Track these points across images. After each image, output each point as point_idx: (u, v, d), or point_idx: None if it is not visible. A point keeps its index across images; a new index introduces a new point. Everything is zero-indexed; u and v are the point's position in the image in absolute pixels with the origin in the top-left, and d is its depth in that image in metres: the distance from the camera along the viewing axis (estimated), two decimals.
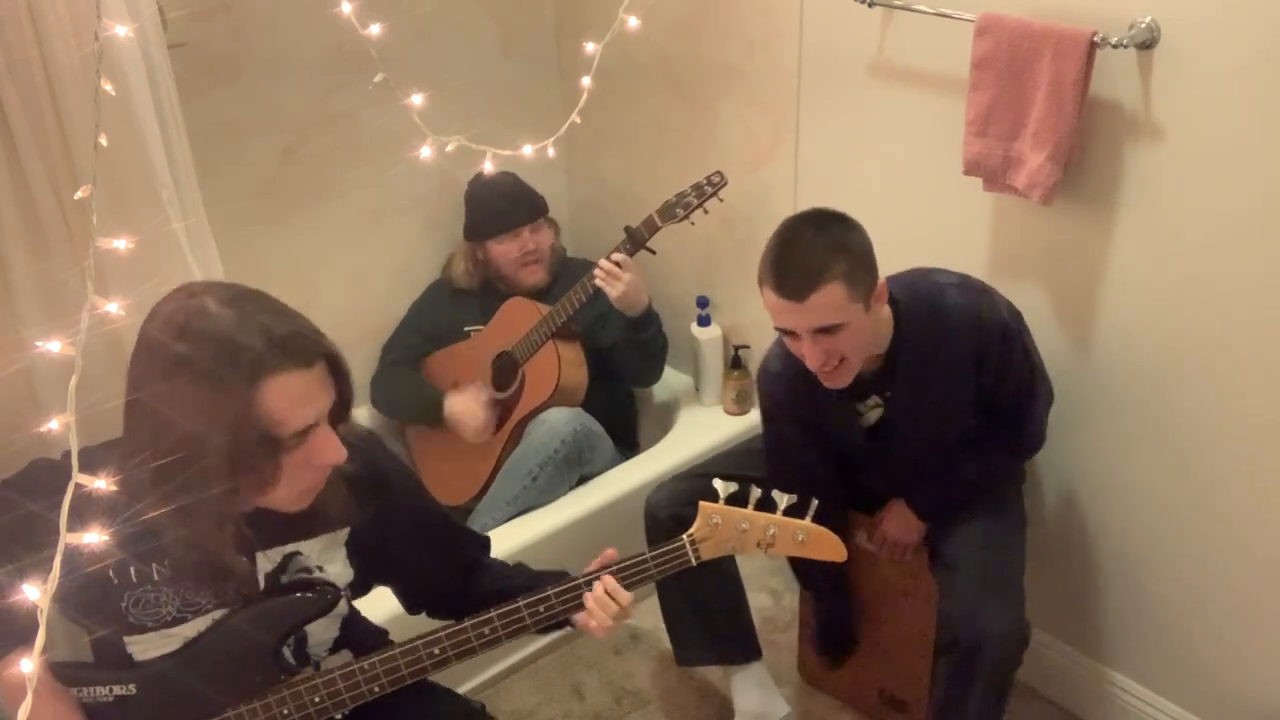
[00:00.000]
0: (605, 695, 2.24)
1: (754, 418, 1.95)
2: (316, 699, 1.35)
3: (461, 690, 2.01)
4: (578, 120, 1.62)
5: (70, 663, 1.37)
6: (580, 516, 2.30)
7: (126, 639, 1.31)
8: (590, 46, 1.62)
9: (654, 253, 2.30)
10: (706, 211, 2.25)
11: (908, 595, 1.96)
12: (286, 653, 1.36)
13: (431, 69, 2.18)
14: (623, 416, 2.65)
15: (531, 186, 2.54)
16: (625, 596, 1.40)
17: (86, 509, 0.89)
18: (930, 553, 1.88)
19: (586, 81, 1.63)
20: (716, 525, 1.42)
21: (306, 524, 1.32)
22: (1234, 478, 1.75)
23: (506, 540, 2.20)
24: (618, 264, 2.27)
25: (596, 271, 2.29)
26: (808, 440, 1.84)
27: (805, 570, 2.03)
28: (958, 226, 2.01)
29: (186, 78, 1.83)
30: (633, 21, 1.65)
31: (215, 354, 1.12)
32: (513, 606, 1.39)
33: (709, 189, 2.22)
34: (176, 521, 1.17)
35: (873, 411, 1.82)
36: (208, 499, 1.15)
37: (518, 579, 1.51)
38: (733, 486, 1.42)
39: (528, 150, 1.67)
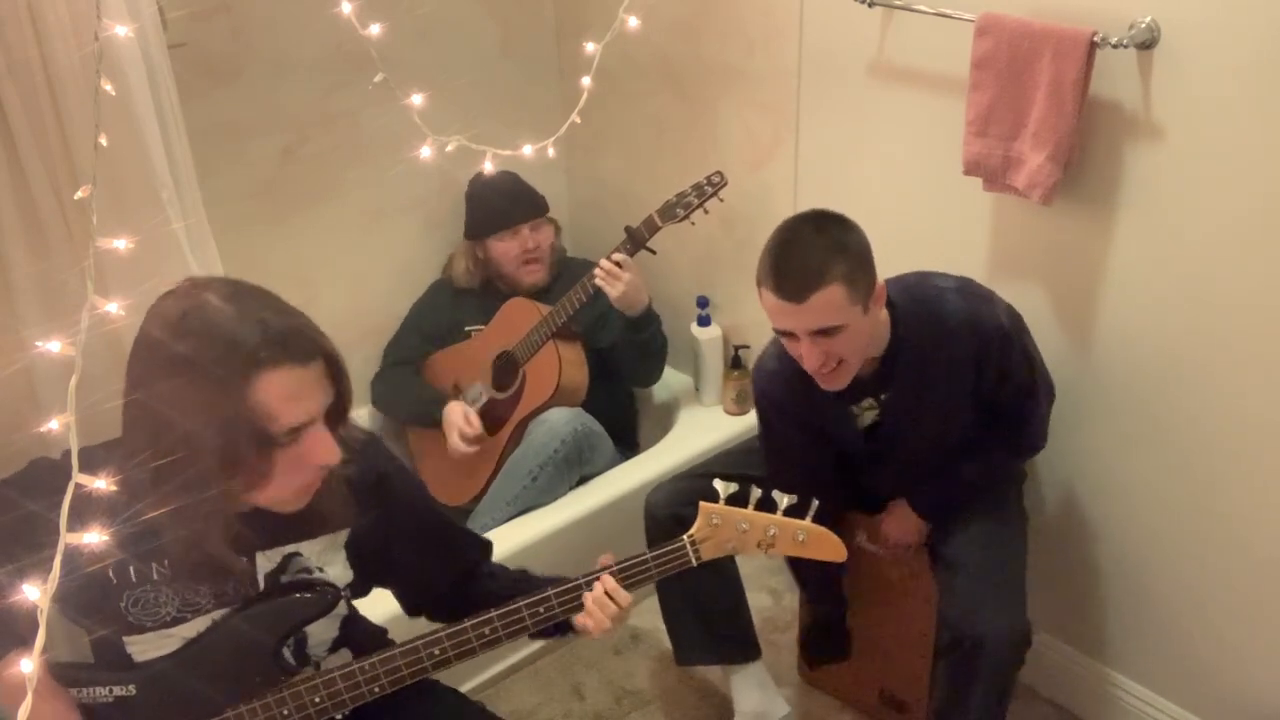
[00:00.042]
0: (605, 695, 2.24)
1: (754, 417, 1.95)
2: (317, 699, 1.35)
3: (461, 690, 2.01)
4: (578, 120, 1.62)
5: (70, 663, 1.37)
6: (580, 516, 2.30)
7: (126, 639, 1.31)
8: (590, 46, 1.62)
9: (654, 253, 2.30)
10: (707, 212, 2.25)
11: (908, 595, 1.96)
12: (286, 653, 1.36)
13: (431, 69, 2.18)
14: (623, 416, 2.65)
15: (532, 186, 2.55)
16: (625, 597, 1.40)
17: (86, 509, 0.89)
18: (931, 553, 1.88)
19: (586, 81, 1.63)
20: (717, 526, 1.42)
21: (306, 525, 1.31)
22: (1234, 478, 1.75)
23: (506, 540, 2.20)
24: (618, 264, 2.27)
25: (597, 271, 2.29)
26: (804, 439, 1.84)
27: (801, 571, 2.03)
28: (958, 226, 2.01)
29: (186, 78, 1.83)
30: (633, 21, 1.65)
31: (209, 347, 1.12)
32: (513, 607, 1.39)
33: (709, 189, 2.22)
34: (173, 520, 1.16)
35: (868, 413, 1.82)
36: (203, 496, 1.15)
37: (519, 583, 1.51)
38: (733, 487, 1.42)
39: (528, 150, 1.67)
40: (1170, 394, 1.78)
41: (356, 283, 2.65)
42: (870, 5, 1.95)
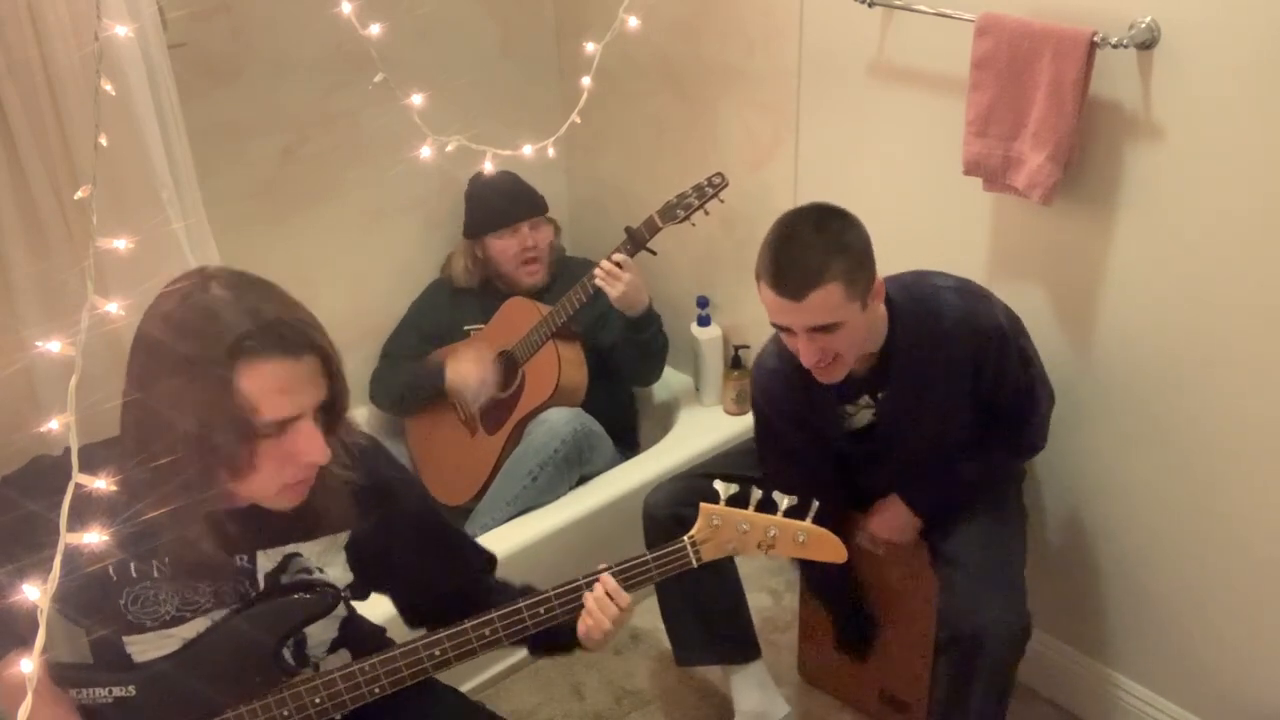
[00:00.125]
0: (605, 695, 2.24)
1: (753, 418, 1.95)
2: (317, 700, 1.35)
3: (461, 690, 2.01)
4: (578, 120, 1.61)
5: (69, 664, 1.37)
6: (580, 516, 2.30)
7: (125, 639, 1.30)
8: (590, 46, 1.62)
9: (654, 253, 2.30)
10: (707, 213, 2.25)
11: (908, 595, 1.96)
12: (286, 654, 1.36)
13: (431, 69, 2.18)
14: (623, 416, 2.65)
15: (531, 185, 2.55)
16: (625, 598, 1.39)
17: (86, 508, 0.89)
18: (931, 551, 1.88)
19: (586, 81, 1.63)
20: (717, 527, 1.42)
21: (307, 525, 1.31)
22: (1234, 478, 1.75)
23: (506, 540, 2.20)
24: (618, 264, 2.27)
25: (597, 272, 2.29)
26: (801, 437, 1.84)
27: (812, 575, 2.03)
28: (958, 226, 2.01)
29: (186, 78, 1.83)
30: (633, 21, 1.65)
31: (198, 332, 1.12)
32: (514, 608, 1.38)
33: (710, 190, 2.22)
34: (167, 515, 1.16)
35: (864, 411, 1.82)
36: (190, 489, 1.15)
37: (523, 597, 1.49)
38: (734, 488, 1.42)
39: (528, 150, 1.66)
40: (1170, 394, 1.78)
41: (356, 283, 2.65)
42: (870, 5, 1.95)
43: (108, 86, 1.12)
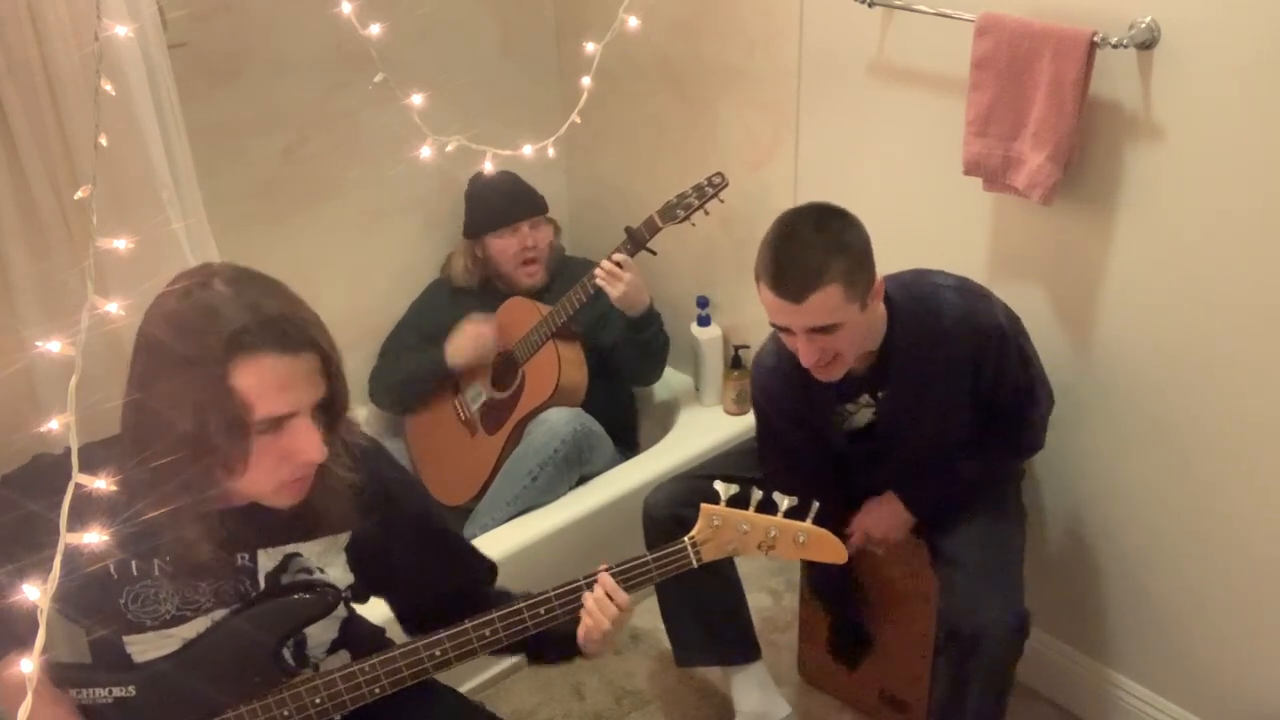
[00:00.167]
0: (605, 695, 2.24)
1: (754, 417, 1.95)
2: (317, 700, 1.35)
3: (461, 690, 2.01)
4: (578, 120, 1.61)
5: (69, 664, 1.37)
6: (580, 516, 2.30)
7: (126, 638, 1.30)
8: (590, 46, 1.62)
9: (654, 253, 2.30)
10: (707, 213, 2.25)
11: (908, 595, 1.96)
12: (286, 654, 1.36)
13: (431, 69, 2.19)
14: (623, 416, 2.65)
15: (532, 185, 2.55)
16: (624, 597, 1.39)
17: (87, 507, 0.89)
18: (930, 550, 1.88)
19: (586, 81, 1.63)
20: (718, 527, 1.42)
21: (307, 525, 1.31)
22: (1234, 478, 1.75)
23: (506, 540, 2.20)
24: (619, 264, 2.27)
25: (597, 272, 2.29)
26: (800, 435, 1.84)
27: (814, 575, 2.03)
28: (958, 226, 2.01)
29: (186, 78, 1.83)
30: (633, 21, 1.65)
31: (198, 328, 1.12)
32: (514, 608, 1.38)
33: (710, 190, 2.22)
34: (164, 511, 1.16)
35: (864, 410, 1.82)
36: (189, 486, 1.15)
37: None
38: (734, 488, 1.42)
39: (528, 150, 1.66)
40: (1170, 394, 1.78)
41: (356, 283, 2.65)
42: (870, 5, 1.95)
43: (108, 86, 1.12)
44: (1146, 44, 1.61)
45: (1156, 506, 1.87)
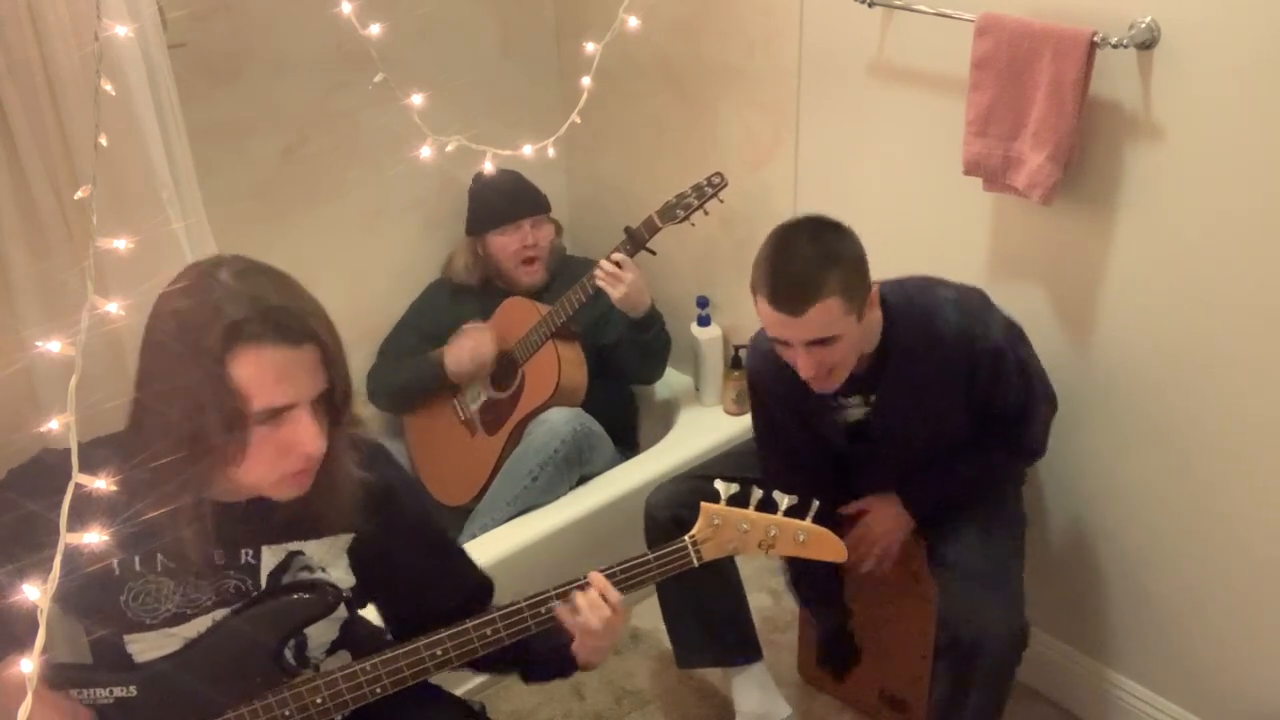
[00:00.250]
0: (605, 695, 2.24)
1: (750, 410, 1.94)
2: (319, 700, 1.35)
3: (461, 691, 2.01)
4: (578, 120, 1.61)
5: (70, 664, 1.37)
6: (580, 516, 2.30)
7: (126, 637, 1.30)
8: (590, 46, 1.62)
9: (654, 253, 2.30)
10: (707, 213, 2.25)
11: (908, 595, 1.96)
12: (288, 654, 1.36)
13: (431, 69, 2.18)
14: (623, 416, 2.65)
15: (535, 185, 2.55)
16: (616, 596, 1.38)
17: (88, 502, 0.89)
18: (930, 553, 1.88)
19: (586, 81, 1.63)
20: (718, 526, 1.42)
21: (312, 523, 1.31)
22: (1234, 478, 1.75)
23: (506, 540, 2.20)
24: (618, 264, 2.27)
25: (597, 272, 2.29)
26: (795, 423, 1.84)
27: (801, 584, 2.02)
28: (958, 226, 2.01)
29: (186, 78, 1.83)
30: (633, 21, 1.65)
31: (198, 318, 1.12)
32: (515, 608, 1.38)
33: (709, 190, 2.22)
34: (163, 504, 1.16)
35: (855, 410, 1.81)
36: (191, 478, 1.15)
37: None
38: (734, 487, 1.42)
39: (528, 150, 1.66)
40: (1170, 394, 1.78)
41: (356, 282, 2.65)
42: (870, 5, 1.95)
43: (108, 86, 1.12)
44: (1146, 44, 1.61)
45: (1156, 506, 1.87)
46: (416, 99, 1.57)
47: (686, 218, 2.23)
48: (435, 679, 1.42)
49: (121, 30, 1.30)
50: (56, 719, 1.26)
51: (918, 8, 1.88)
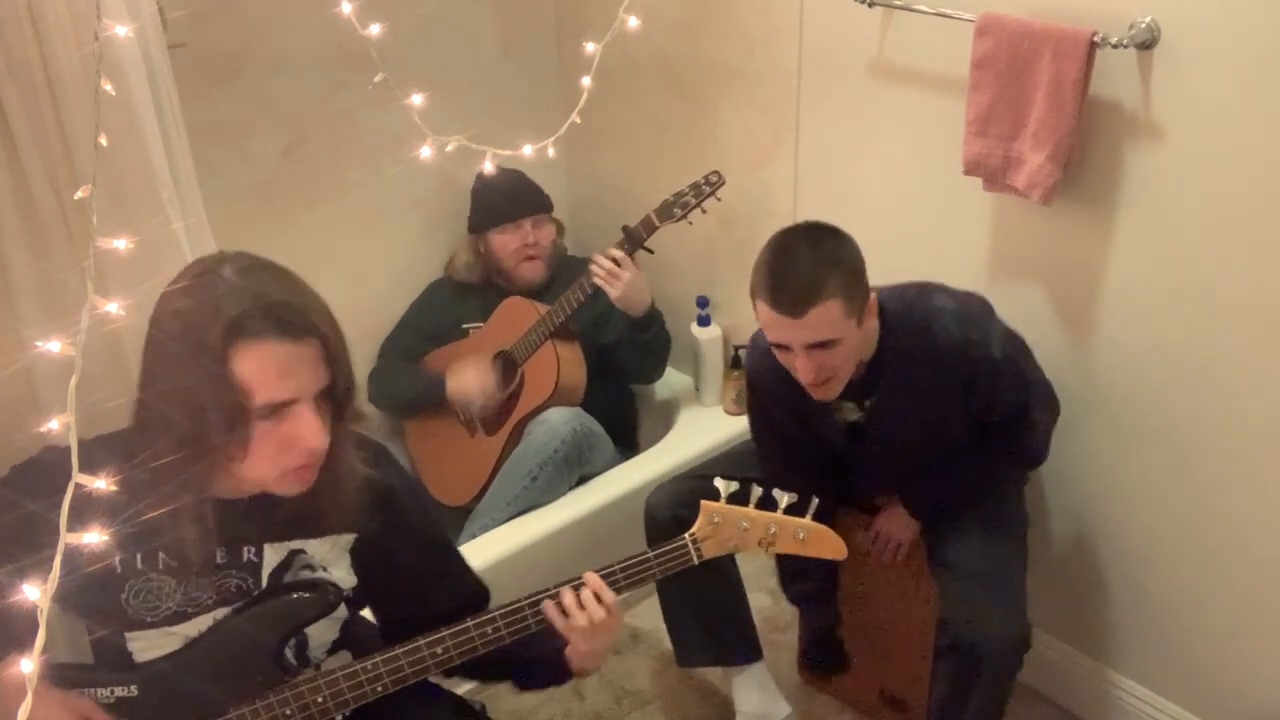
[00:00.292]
0: (605, 695, 2.24)
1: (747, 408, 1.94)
2: (320, 699, 1.35)
3: (461, 690, 2.01)
4: (578, 120, 1.62)
5: (70, 664, 1.37)
6: (580, 516, 2.30)
7: (127, 636, 1.30)
8: (590, 46, 1.62)
9: (651, 252, 2.30)
10: (704, 211, 2.25)
11: (908, 595, 1.97)
12: (288, 654, 1.36)
13: (431, 69, 2.18)
14: (623, 416, 2.65)
15: (537, 184, 2.55)
16: (610, 596, 1.38)
17: (89, 500, 0.89)
18: (930, 554, 1.88)
19: (586, 81, 1.63)
20: (718, 524, 1.42)
21: (314, 520, 1.31)
22: (1234, 478, 1.75)
23: (506, 540, 2.20)
24: (617, 262, 2.27)
25: (595, 270, 2.28)
26: (793, 424, 1.84)
27: (791, 583, 2.02)
28: (958, 227, 2.01)
29: (186, 78, 1.83)
30: (633, 21, 1.65)
31: (200, 313, 1.12)
32: (515, 606, 1.38)
33: (707, 189, 2.22)
34: (162, 501, 1.16)
35: (852, 414, 1.81)
36: (194, 474, 1.15)
37: None
38: (734, 485, 1.42)
39: (528, 150, 1.67)
40: (1170, 394, 1.78)
41: (357, 282, 2.65)
42: (870, 5, 1.95)
43: (108, 86, 1.12)
44: (1146, 44, 1.61)
45: (1156, 506, 1.87)
46: (416, 99, 1.57)
47: (684, 216, 2.23)
48: (434, 679, 1.42)
49: (121, 30, 1.30)
50: (59, 714, 1.27)
51: (918, 8, 1.88)
